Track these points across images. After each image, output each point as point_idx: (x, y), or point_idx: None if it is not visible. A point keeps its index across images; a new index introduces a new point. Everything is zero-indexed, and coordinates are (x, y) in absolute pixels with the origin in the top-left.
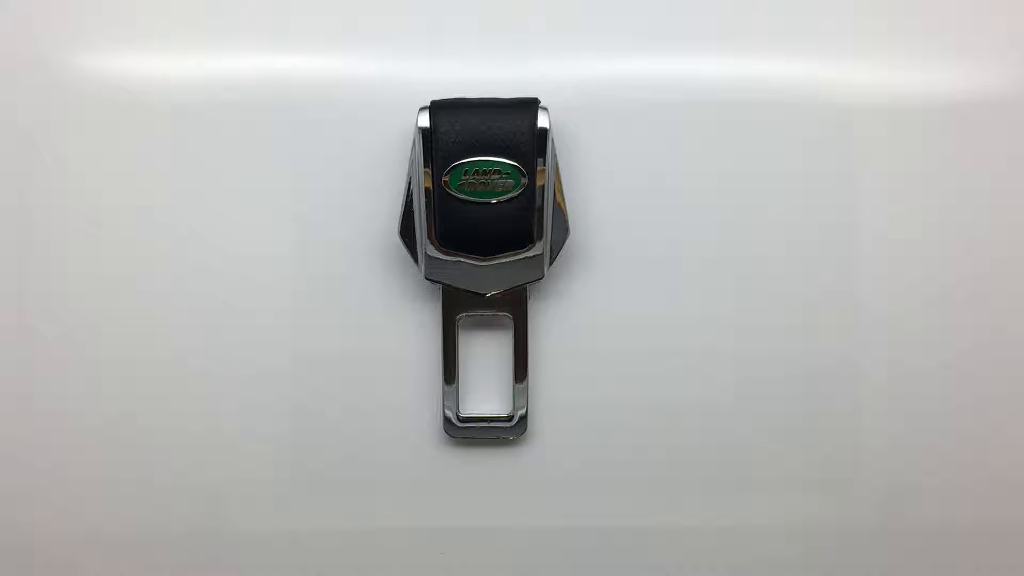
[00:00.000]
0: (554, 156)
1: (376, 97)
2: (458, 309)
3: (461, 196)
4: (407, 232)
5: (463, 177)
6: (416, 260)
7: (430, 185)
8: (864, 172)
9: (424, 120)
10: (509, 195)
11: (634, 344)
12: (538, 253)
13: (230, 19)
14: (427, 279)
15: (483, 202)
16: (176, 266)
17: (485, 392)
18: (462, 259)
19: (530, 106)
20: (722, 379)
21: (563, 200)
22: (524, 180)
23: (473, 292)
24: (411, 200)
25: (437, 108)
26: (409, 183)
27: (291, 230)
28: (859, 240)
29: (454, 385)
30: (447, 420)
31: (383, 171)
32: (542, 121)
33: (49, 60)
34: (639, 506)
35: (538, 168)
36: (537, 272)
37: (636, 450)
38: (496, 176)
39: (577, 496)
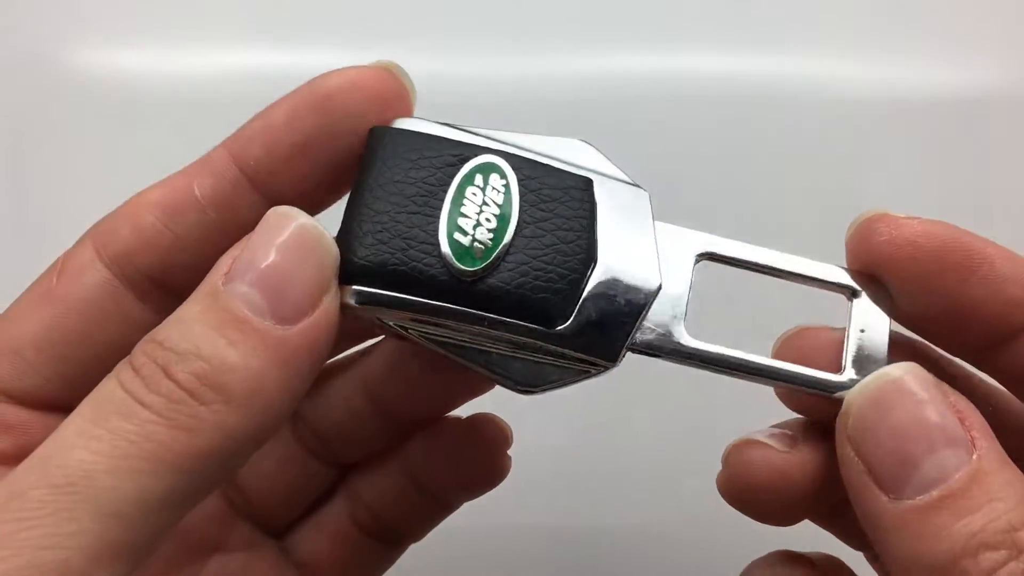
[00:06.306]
0: None
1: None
2: None
3: None
4: None
5: None
6: None
7: None
8: (864, 171)
9: None
10: None
11: None
12: None
13: (230, 19)
14: None
15: None
16: None
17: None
18: None
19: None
20: (722, 378)
21: None
22: None
23: None
24: None
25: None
26: None
27: None
28: None
29: None
30: None
31: None
32: None
33: (49, 60)
34: (639, 505)
35: None
36: None
37: (636, 449)
38: None
39: (577, 496)
